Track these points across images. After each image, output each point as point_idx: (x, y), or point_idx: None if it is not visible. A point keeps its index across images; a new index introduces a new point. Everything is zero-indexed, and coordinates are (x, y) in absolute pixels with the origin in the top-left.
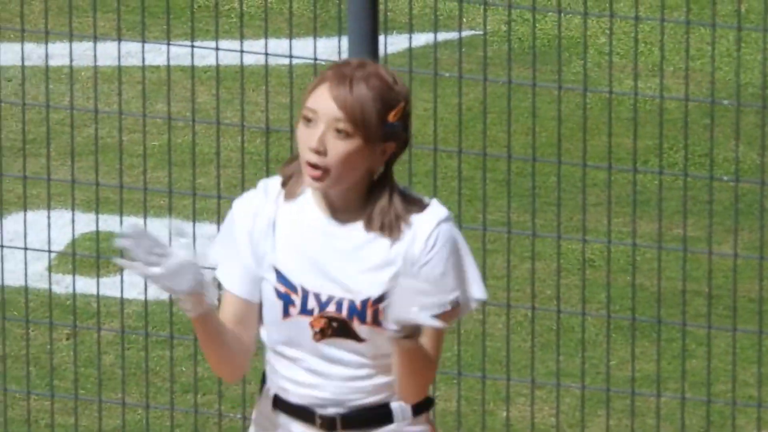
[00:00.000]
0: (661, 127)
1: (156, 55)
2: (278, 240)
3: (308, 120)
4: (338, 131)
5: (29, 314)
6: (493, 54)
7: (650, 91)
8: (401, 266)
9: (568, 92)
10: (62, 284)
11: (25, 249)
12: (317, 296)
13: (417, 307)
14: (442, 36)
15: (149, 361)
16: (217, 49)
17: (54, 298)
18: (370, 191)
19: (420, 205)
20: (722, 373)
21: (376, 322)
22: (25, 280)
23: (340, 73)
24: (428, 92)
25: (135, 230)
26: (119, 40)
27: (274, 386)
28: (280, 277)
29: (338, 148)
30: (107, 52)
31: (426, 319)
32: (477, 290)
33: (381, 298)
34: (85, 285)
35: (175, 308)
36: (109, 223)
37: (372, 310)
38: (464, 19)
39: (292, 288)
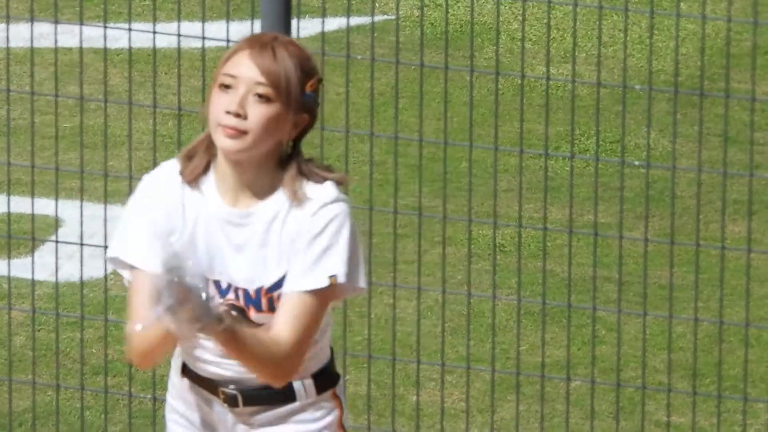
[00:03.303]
0: (573, 113)
1: (68, 36)
2: (186, 225)
3: (226, 86)
4: (259, 96)
5: None
6: (406, 39)
7: (562, 77)
8: (288, 246)
9: (480, 77)
10: None
11: None
12: (217, 284)
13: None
14: (355, 20)
15: (60, 343)
16: (129, 30)
17: None
18: (278, 171)
19: (318, 181)
20: (632, 359)
21: (272, 309)
22: None
23: (259, 41)
24: (341, 76)
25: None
26: (32, 21)
27: (183, 354)
28: None
29: (258, 111)
30: (19, 34)
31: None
32: (360, 279)
33: (275, 287)
34: None
35: (86, 290)
36: (20, 204)
37: (267, 299)
38: (377, 4)
39: None
